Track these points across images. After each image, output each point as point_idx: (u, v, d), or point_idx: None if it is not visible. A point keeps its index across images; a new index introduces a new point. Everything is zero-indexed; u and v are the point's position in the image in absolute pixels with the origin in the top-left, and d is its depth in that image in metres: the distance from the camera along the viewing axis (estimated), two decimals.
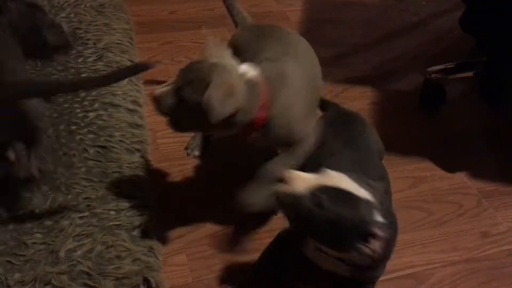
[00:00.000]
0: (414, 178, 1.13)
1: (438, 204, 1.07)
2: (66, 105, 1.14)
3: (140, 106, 1.19)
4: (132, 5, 1.61)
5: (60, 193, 0.96)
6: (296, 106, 0.86)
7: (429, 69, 1.33)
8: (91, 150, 1.03)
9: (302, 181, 0.71)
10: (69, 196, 0.95)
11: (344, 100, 1.31)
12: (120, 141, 1.06)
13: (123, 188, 0.98)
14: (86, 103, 1.14)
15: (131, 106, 1.17)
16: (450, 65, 1.34)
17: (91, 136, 1.06)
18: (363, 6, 1.79)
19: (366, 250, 0.69)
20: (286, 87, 0.85)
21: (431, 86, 1.32)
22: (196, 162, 1.11)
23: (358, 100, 1.34)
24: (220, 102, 0.75)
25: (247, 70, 0.82)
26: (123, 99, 1.17)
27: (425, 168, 1.16)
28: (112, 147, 1.04)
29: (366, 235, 0.68)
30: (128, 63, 1.29)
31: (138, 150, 1.06)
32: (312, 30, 1.61)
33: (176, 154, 1.12)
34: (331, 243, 0.72)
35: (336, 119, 1.01)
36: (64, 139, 1.05)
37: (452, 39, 1.61)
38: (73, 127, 1.08)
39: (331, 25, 1.66)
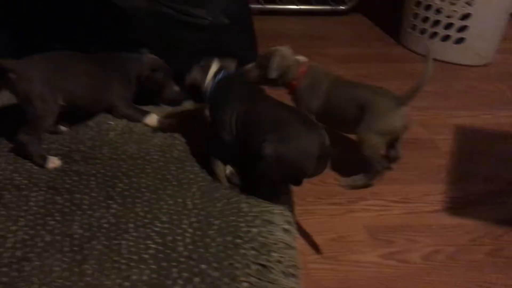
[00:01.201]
0: None
1: None
2: (232, 218, 1.23)
3: (293, 227, 1.24)
4: None
5: None
6: None
7: None
8: (253, 267, 1.09)
9: None
10: None
11: (505, 246, 1.23)
12: (278, 262, 1.11)
13: None
14: (249, 218, 1.23)
15: (286, 226, 1.22)
16: None
17: (253, 252, 1.13)
18: None
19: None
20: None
21: None
22: None
23: None
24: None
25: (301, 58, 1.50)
26: (280, 218, 1.24)
27: None
28: (271, 267, 1.08)
29: None
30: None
31: (293, 275, 1.09)
32: (463, 162, 1.58)
33: (328, 282, 1.13)
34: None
35: None
36: (230, 251, 1.13)
37: None
38: (238, 241, 1.16)
39: (483, 158, 1.62)
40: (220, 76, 1.41)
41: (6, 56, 1.36)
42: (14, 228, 1.16)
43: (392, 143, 1.42)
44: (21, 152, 1.38)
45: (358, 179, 1.40)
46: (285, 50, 1.48)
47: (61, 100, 1.38)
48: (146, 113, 1.60)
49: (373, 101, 1.36)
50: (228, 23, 1.70)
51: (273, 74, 1.44)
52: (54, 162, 1.37)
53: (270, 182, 1.29)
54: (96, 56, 1.54)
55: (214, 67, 1.42)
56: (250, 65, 1.49)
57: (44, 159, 1.36)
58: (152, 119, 1.59)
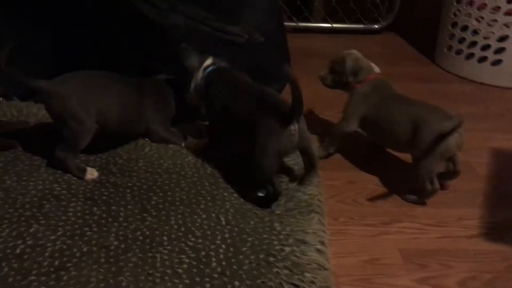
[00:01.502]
0: None
1: None
2: (265, 236, 1.23)
3: (326, 247, 1.23)
4: None
5: None
6: None
7: None
8: (286, 287, 1.09)
9: None
10: None
11: None
12: (311, 282, 1.10)
13: None
14: (282, 236, 1.23)
15: (319, 247, 1.21)
16: None
17: (286, 271, 1.12)
18: None
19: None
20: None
21: None
22: None
23: None
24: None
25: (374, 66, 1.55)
26: (313, 238, 1.23)
27: None
28: None
29: None
30: (317, 203, 1.36)
31: None
32: (500, 186, 1.55)
33: None
34: None
35: None
36: (263, 269, 1.13)
37: None
38: (271, 259, 1.16)
39: None
40: (209, 69, 1.50)
41: (48, 67, 1.39)
42: (53, 237, 1.19)
43: (451, 159, 1.41)
44: (59, 166, 1.41)
45: (409, 199, 1.45)
46: (356, 53, 1.56)
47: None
48: (184, 137, 1.61)
49: (427, 120, 1.37)
50: (263, 40, 1.72)
51: (350, 78, 1.51)
52: (92, 173, 1.41)
53: (265, 176, 1.30)
54: (132, 79, 1.54)
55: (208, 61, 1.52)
56: (322, 72, 1.59)
57: (83, 171, 1.40)
58: (191, 143, 1.59)
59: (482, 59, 2.22)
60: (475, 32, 2.21)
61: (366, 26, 2.80)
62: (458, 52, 2.30)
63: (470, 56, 2.26)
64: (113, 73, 1.51)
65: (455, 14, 2.28)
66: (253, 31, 1.72)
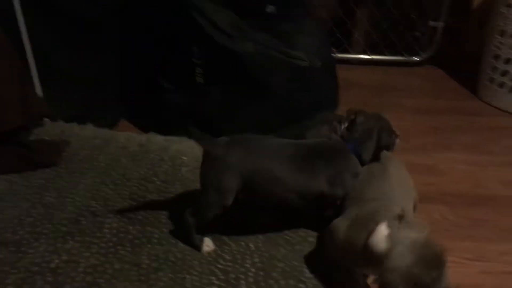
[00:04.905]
0: None
1: None
2: (296, 263, 1.21)
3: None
4: None
5: None
6: None
7: None
8: None
9: None
10: None
11: None
12: None
13: None
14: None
15: None
16: None
17: None
18: None
19: None
20: None
21: None
22: None
23: None
24: None
25: None
26: None
27: None
28: None
29: None
30: None
31: None
32: None
33: None
34: None
35: None
36: None
37: None
38: (302, 286, 1.13)
39: None
40: None
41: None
42: (86, 254, 1.21)
43: None
44: (183, 229, 1.25)
45: None
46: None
47: None
48: None
49: None
50: (320, 65, 1.75)
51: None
52: (208, 245, 1.25)
53: None
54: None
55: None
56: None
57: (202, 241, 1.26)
58: None
59: None
60: None
61: (406, 58, 2.78)
62: (501, 85, 2.25)
63: None
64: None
65: (498, 47, 2.23)
66: (312, 57, 1.75)
